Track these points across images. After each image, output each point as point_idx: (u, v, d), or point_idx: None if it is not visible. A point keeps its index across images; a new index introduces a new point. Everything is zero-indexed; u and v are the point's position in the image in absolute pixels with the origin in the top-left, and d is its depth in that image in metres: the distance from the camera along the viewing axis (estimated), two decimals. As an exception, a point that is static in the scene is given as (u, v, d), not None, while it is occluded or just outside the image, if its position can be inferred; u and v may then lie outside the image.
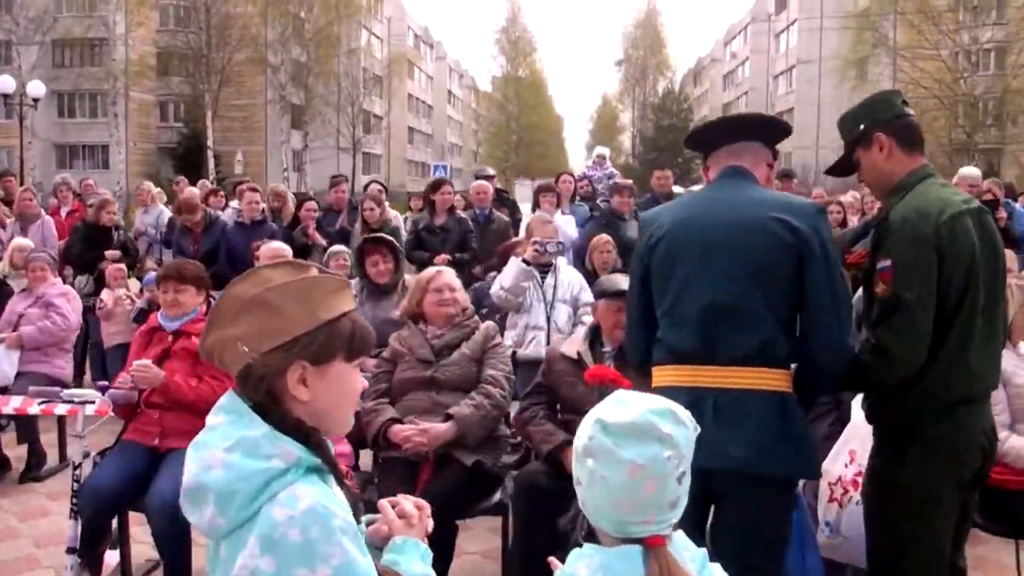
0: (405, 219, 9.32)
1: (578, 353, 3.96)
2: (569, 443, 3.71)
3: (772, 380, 2.61)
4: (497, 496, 3.98)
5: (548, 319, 5.43)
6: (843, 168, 3.03)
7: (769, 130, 2.97)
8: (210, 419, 1.63)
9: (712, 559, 1.79)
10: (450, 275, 4.32)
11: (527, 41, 60.43)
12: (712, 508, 2.71)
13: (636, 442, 1.57)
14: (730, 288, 2.62)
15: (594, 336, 4.05)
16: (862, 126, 2.88)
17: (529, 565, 3.57)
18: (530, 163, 57.86)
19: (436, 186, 7.87)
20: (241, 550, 1.48)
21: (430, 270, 4.40)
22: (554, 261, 5.52)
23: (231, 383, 4.10)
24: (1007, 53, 36.42)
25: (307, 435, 1.60)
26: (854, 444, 3.34)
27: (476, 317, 4.35)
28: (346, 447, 4.03)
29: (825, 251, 2.65)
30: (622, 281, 4.04)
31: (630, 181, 8.54)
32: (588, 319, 5.42)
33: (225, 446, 1.55)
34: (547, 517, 3.50)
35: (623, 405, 1.63)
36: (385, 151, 59.93)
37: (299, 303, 1.61)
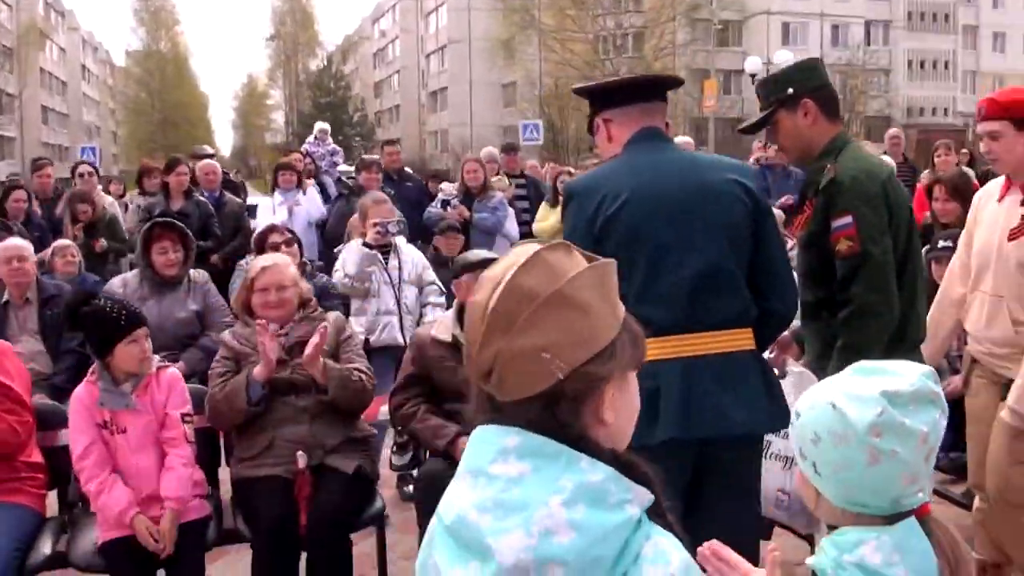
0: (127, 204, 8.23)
1: (453, 336, 3.67)
2: (462, 434, 3.43)
3: (747, 340, 2.60)
4: (378, 503, 3.59)
5: (398, 302, 5.07)
6: (758, 127, 3.10)
7: (668, 88, 2.91)
8: (500, 468, 1.21)
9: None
10: (279, 272, 3.71)
11: (169, 12, 56.75)
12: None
13: (921, 409, 1.46)
14: (710, 255, 2.53)
15: (460, 316, 3.78)
16: (790, 90, 2.94)
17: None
18: (178, 144, 54.42)
19: (170, 166, 7.02)
20: None
21: (256, 265, 3.80)
22: (394, 241, 5.13)
23: (28, 414, 3.34)
24: (645, 38, 40.18)
25: (629, 468, 1.24)
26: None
27: (320, 309, 3.88)
28: (199, 473, 3.42)
29: (768, 208, 2.72)
30: (483, 252, 3.84)
31: (377, 157, 8.19)
32: (435, 299, 5.14)
33: (560, 500, 1.15)
34: None
35: (894, 375, 1.46)
36: (19, 133, 53.38)
37: (602, 299, 1.24)
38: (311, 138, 10.56)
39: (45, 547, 3.31)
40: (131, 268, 7.44)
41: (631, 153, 2.68)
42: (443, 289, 5.28)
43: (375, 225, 4.99)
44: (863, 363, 1.56)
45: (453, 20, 53.51)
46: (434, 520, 1.29)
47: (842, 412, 1.46)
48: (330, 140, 10.60)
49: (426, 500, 3.39)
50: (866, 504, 1.48)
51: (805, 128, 2.94)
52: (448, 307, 5.11)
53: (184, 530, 3.23)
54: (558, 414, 1.22)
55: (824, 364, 2.85)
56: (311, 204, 7.93)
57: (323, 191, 8.92)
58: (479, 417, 1.28)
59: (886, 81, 45.79)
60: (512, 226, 8.15)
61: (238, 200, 7.86)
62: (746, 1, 44.79)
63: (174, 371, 3.43)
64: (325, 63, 58.69)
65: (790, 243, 3.66)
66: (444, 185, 7.74)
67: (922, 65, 48.15)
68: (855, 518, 1.50)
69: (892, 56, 47.27)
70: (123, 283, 4.91)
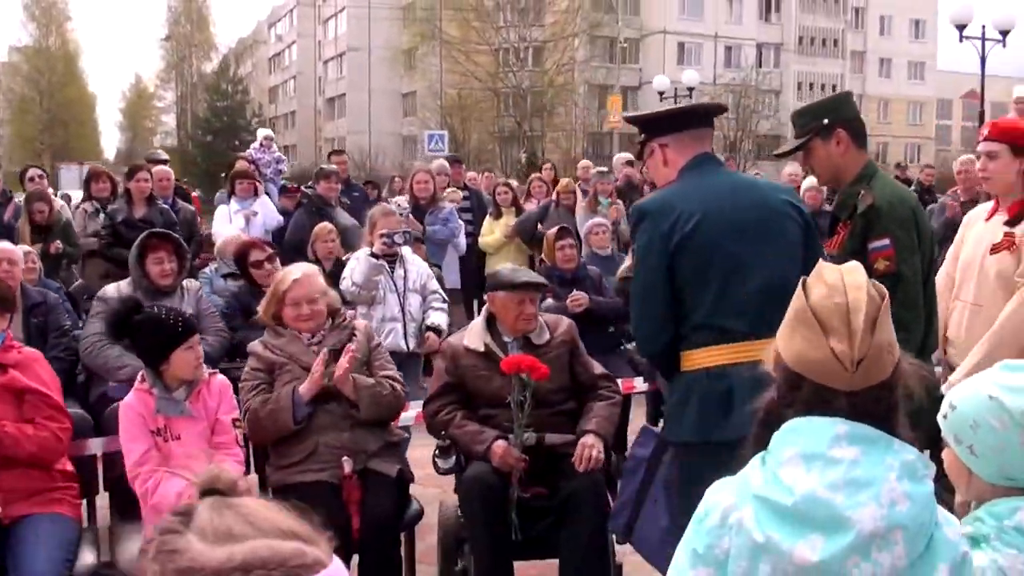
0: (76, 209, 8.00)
1: (486, 346, 3.80)
2: (500, 437, 3.57)
3: None
4: (415, 505, 3.70)
5: (403, 309, 5.18)
6: (792, 153, 3.36)
7: (717, 115, 3.20)
8: (838, 452, 1.45)
9: None
10: (310, 284, 3.76)
11: (60, 9, 54.34)
12: None
13: None
14: (775, 270, 2.75)
15: (491, 327, 3.92)
16: (826, 120, 3.20)
17: (493, 564, 3.43)
18: (66, 143, 52.22)
19: (132, 172, 6.89)
20: None
21: (286, 277, 3.81)
22: (400, 251, 5.23)
23: (67, 420, 3.33)
24: (546, 52, 40.85)
25: None
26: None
27: (349, 315, 3.96)
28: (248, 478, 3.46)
29: (815, 226, 3.00)
30: (525, 273, 3.97)
31: (336, 167, 8.20)
32: (438, 306, 5.25)
33: (895, 476, 1.42)
34: (498, 516, 3.36)
35: None
36: None
37: None
38: (256, 144, 10.46)
39: (88, 556, 3.30)
40: (81, 274, 7.28)
41: (695, 175, 2.91)
42: (445, 298, 5.44)
43: (382, 236, 5.09)
44: (1008, 361, 1.79)
45: (353, 27, 53.06)
46: (734, 511, 1.50)
47: (1000, 401, 1.69)
48: (275, 147, 10.52)
49: (468, 502, 3.51)
50: (1015, 478, 1.70)
51: (838, 156, 3.22)
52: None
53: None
54: (892, 398, 1.50)
55: None
56: (267, 213, 7.89)
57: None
58: (788, 411, 1.50)
59: (777, 102, 47.63)
60: (463, 238, 8.31)
61: (191, 208, 7.76)
62: (644, 20, 46.10)
63: (222, 378, 3.46)
64: (221, 66, 57.24)
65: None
66: (399, 199, 7.82)
67: (811, 87, 50.17)
68: (1005, 491, 1.72)
69: (783, 78, 49.24)
70: (117, 291, 4.85)
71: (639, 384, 5.07)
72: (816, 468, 1.44)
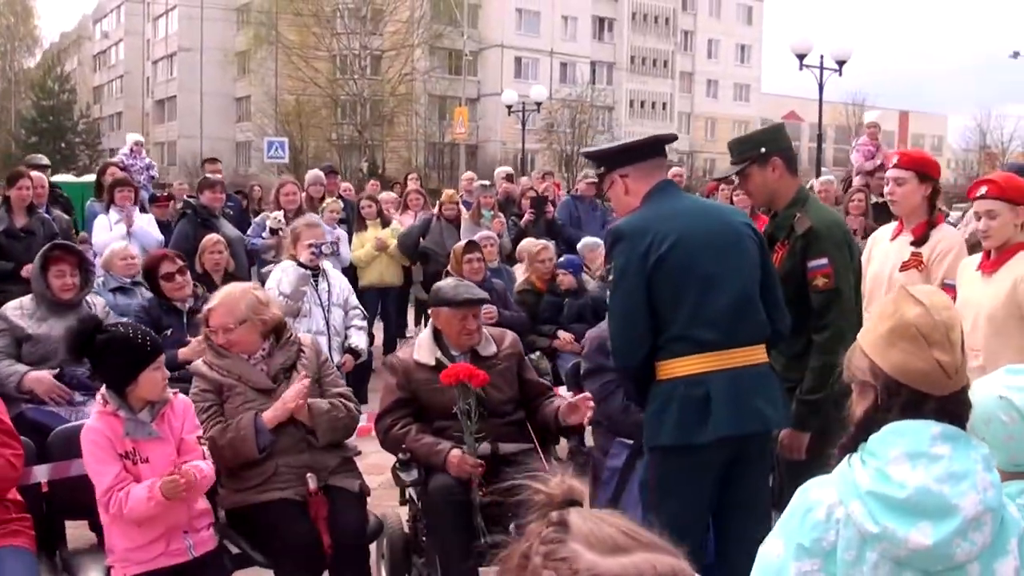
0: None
1: (436, 360, 3.91)
2: (454, 446, 3.68)
3: (765, 354, 3.14)
4: (373, 518, 3.75)
5: (328, 323, 5.17)
6: (727, 177, 3.68)
7: (668, 144, 3.46)
8: (938, 450, 1.72)
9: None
10: (223, 315, 3.70)
11: None
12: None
13: None
14: (743, 285, 3.06)
15: (438, 341, 4.03)
16: (763, 149, 3.52)
17: (464, 573, 3.54)
18: None
19: (12, 179, 6.51)
20: (1000, 558, 1.69)
21: (210, 301, 3.81)
22: (321, 265, 5.19)
23: (19, 446, 3.24)
24: (387, 61, 40.71)
25: None
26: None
27: (293, 331, 3.97)
28: (205, 502, 3.41)
29: (767, 245, 3.34)
30: (466, 290, 4.08)
31: (220, 176, 8.01)
32: (359, 323, 5.25)
33: (981, 467, 1.71)
34: (467, 523, 3.48)
35: None
36: None
37: None
38: (125, 150, 10.01)
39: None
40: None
41: (661, 200, 3.16)
42: (366, 314, 5.47)
43: (310, 246, 5.08)
44: (1011, 367, 2.09)
45: (184, 27, 51.12)
46: (839, 507, 1.73)
47: (1009, 400, 1.99)
48: (145, 153, 10.11)
49: (436, 512, 3.60)
50: (1022, 464, 2.00)
51: (773, 181, 3.54)
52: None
53: (202, 563, 3.23)
54: (967, 400, 1.81)
55: (791, 375, 3.39)
56: (149, 222, 7.63)
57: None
58: (887, 416, 1.76)
59: (610, 117, 49.31)
60: (346, 249, 8.29)
61: (66, 217, 7.40)
62: (482, 33, 46.73)
63: (184, 397, 3.40)
64: (44, 62, 53.66)
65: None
66: (276, 213, 7.70)
67: (642, 105, 52.34)
68: (1010, 476, 2.00)
69: (616, 95, 51.03)
70: (19, 306, 4.64)
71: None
72: (921, 465, 1.70)
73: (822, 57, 18.71)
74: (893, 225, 4.22)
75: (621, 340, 3.11)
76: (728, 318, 2.99)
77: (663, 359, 3.04)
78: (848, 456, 1.79)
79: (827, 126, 63.05)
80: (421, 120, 42.05)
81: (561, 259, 6.99)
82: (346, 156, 39.80)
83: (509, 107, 27.59)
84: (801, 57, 18.03)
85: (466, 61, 37.12)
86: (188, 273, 5.28)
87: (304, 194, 8.21)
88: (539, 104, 27.91)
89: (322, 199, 8.71)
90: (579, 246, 8.10)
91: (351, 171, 34.62)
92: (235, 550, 3.44)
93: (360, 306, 5.53)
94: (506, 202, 9.87)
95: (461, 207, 9.14)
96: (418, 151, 42.10)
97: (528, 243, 6.97)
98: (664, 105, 53.16)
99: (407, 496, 3.97)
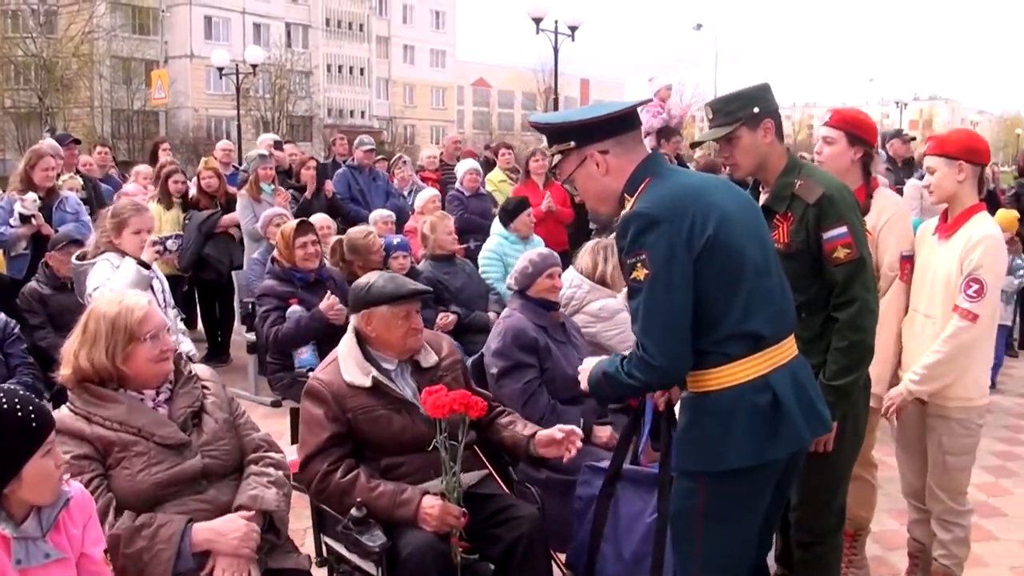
0: None
1: (374, 379, 3.03)
2: (426, 494, 2.89)
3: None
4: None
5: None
6: (716, 140, 3.14)
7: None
8: None
9: None
10: (157, 311, 2.74)
11: None
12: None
13: None
14: (778, 269, 2.58)
15: (368, 354, 3.14)
16: (756, 109, 3.03)
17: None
18: None
19: None
20: None
21: (131, 306, 2.65)
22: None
23: None
24: (65, 17, 36.32)
25: None
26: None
27: (191, 366, 2.90)
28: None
29: None
30: (402, 280, 3.24)
31: None
32: (182, 326, 4.13)
33: None
34: None
35: None
36: None
37: None
38: None
39: None
40: None
41: (670, 176, 2.56)
42: (183, 314, 4.35)
43: (154, 243, 3.88)
44: None
45: None
46: None
47: None
48: None
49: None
50: None
51: (764, 146, 3.05)
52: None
53: None
54: None
55: (809, 360, 2.91)
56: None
57: None
58: None
59: (309, 83, 47.55)
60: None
61: None
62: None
63: (79, 487, 2.27)
64: None
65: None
66: (30, 195, 6.21)
67: (340, 70, 50.95)
68: None
69: (313, 59, 49.26)
70: None
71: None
72: None
73: (556, 23, 18.79)
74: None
75: (671, 344, 2.40)
76: (777, 308, 2.50)
77: (714, 364, 2.43)
78: None
79: (513, 90, 65.75)
80: (107, 83, 38.00)
81: (396, 240, 6.11)
82: (23, 126, 35.24)
83: (220, 69, 25.31)
84: (537, 21, 18.03)
85: (162, 17, 33.92)
86: None
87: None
88: (255, 67, 25.99)
89: (59, 176, 7.13)
90: (373, 220, 7.30)
91: (29, 143, 30.53)
92: None
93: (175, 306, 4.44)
94: (279, 173, 8.70)
95: (222, 178, 7.95)
96: (104, 119, 38.02)
97: (357, 235, 6.01)
98: (362, 70, 52.16)
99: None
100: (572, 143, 2.53)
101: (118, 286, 3.82)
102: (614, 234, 2.60)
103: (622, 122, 2.54)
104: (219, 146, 9.73)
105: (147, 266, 4.06)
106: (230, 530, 2.48)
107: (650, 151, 2.64)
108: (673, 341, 2.40)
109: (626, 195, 2.49)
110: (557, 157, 2.57)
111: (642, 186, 2.47)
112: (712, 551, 2.52)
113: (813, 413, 2.53)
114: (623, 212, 2.47)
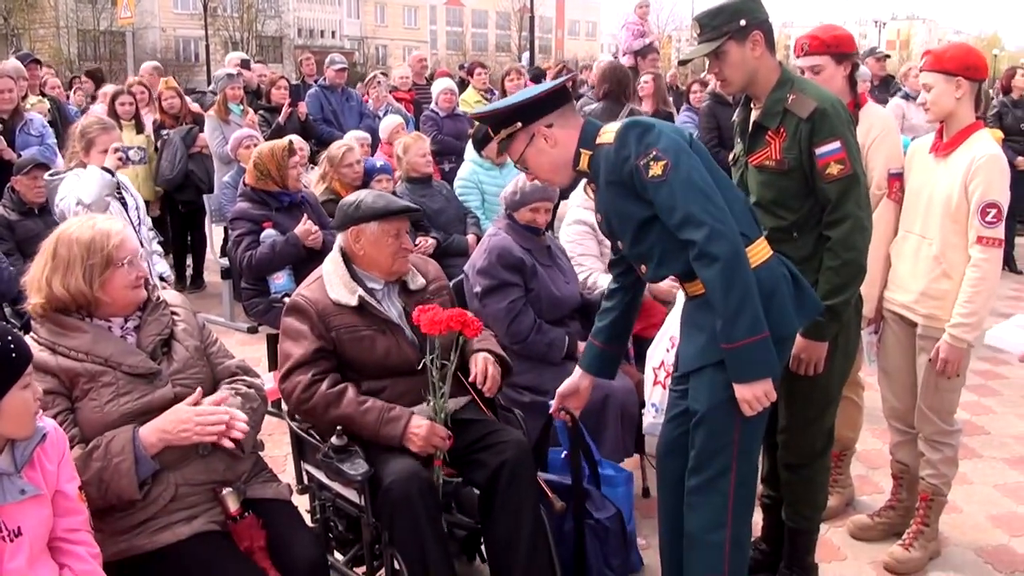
0: None
1: (360, 299, 2.95)
2: (414, 416, 2.85)
3: None
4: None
5: (141, 244, 4.00)
6: (705, 56, 3.01)
7: None
8: None
9: None
10: (129, 247, 2.55)
11: None
12: None
13: None
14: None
15: (354, 273, 3.06)
16: (743, 21, 2.89)
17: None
18: None
19: None
20: None
21: (106, 232, 2.50)
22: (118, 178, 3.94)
23: None
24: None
25: None
26: (673, 331, 3.39)
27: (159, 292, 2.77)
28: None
29: None
30: (390, 197, 3.18)
31: None
32: (156, 247, 4.10)
33: None
34: (433, 520, 2.67)
35: None
36: None
37: None
38: None
39: None
40: None
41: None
42: (159, 235, 4.28)
43: (116, 150, 3.83)
44: None
45: None
46: None
47: None
48: None
49: (410, 511, 2.67)
50: None
51: (753, 60, 2.93)
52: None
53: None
54: None
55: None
56: None
57: None
58: None
59: (277, 1, 46.33)
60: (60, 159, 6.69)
61: None
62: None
63: (51, 423, 2.16)
64: None
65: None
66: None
67: (307, -13, 49.75)
68: None
69: (279, -24, 47.96)
70: None
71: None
72: None
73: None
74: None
75: (717, 218, 2.43)
76: (750, 213, 2.69)
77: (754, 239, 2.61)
78: None
79: (487, 10, 64.39)
80: (72, 2, 36.81)
81: (379, 163, 5.94)
82: (-12, 48, 34.18)
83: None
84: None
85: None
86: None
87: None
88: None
89: (24, 97, 6.89)
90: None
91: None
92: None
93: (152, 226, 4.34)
94: (247, 93, 8.44)
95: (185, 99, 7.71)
96: (71, 39, 36.91)
97: (333, 147, 5.84)
98: (334, -13, 50.87)
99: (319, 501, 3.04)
100: (519, 124, 2.63)
101: (84, 192, 3.76)
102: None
103: (560, 95, 2.66)
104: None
105: (111, 173, 3.97)
106: (178, 421, 2.39)
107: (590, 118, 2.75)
108: (718, 215, 2.43)
109: (582, 149, 2.61)
110: (505, 142, 2.66)
111: (599, 132, 2.60)
112: (749, 435, 2.58)
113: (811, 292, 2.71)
114: (578, 168, 2.64)
